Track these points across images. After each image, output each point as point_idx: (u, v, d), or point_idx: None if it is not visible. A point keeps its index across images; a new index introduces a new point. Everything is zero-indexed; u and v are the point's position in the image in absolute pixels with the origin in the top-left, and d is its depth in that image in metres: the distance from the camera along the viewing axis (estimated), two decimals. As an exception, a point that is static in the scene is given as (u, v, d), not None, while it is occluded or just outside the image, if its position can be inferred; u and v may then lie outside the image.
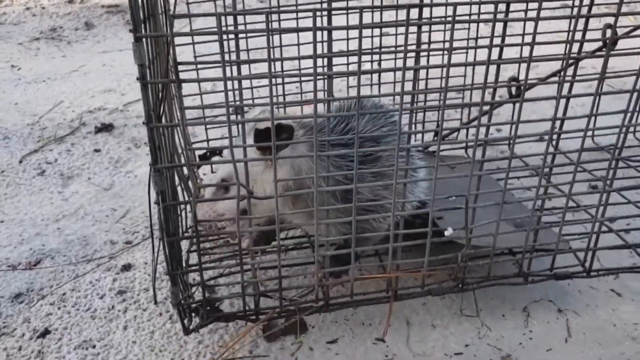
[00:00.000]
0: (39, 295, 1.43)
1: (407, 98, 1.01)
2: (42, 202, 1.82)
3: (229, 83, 0.88)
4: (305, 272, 1.40)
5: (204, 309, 1.15)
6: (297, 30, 0.93)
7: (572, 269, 1.31)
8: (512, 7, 1.06)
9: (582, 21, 1.05)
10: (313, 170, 0.99)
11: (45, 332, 1.32)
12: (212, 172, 1.84)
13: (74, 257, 1.57)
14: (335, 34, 1.01)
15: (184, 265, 1.28)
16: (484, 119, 1.11)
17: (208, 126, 1.76)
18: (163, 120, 1.03)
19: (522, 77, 1.07)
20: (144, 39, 0.87)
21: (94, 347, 1.28)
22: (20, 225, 1.71)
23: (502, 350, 1.28)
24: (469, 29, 1.62)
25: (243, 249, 1.07)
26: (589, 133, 1.53)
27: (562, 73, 1.06)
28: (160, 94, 0.99)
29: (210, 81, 0.94)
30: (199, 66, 1.56)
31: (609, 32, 1.06)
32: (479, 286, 1.29)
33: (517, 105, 1.04)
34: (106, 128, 2.22)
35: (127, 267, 1.51)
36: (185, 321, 1.16)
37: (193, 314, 1.17)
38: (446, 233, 1.24)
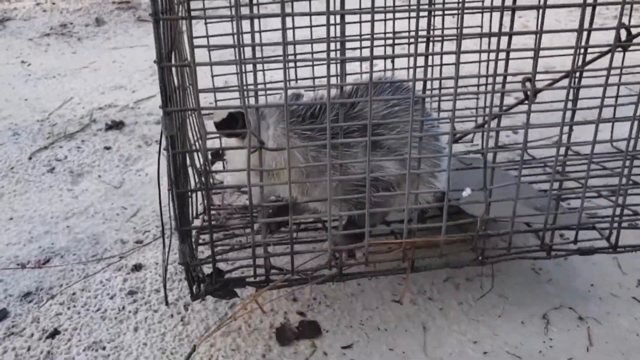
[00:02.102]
0: (48, 295, 1.41)
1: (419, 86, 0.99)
2: (52, 199, 1.80)
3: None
4: (316, 250, 1.33)
5: (212, 276, 1.10)
6: (310, 14, 0.91)
7: (598, 245, 1.25)
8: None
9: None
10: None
11: (55, 333, 1.30)
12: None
13: (84, 256, 1.55)
14: (349, 19, 0.99)
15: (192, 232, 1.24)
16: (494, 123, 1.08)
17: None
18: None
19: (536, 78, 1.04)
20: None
21: (104, 348, 1.26)
22: (30, 222, 1.70)
23: (522, 358, 1.24)
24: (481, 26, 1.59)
25: (254, 205, 1.04)
26: (607, 137, 1.49)
27: (572, 77, 1.03)
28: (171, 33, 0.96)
29: (224, 64, 0.91)
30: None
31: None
32: (499, 259, 1.24)
33: (530, 107, 1.01)
34: (117, 125, 2.20)
35: (137, 267, 1.48)
36: (194, 288, 1.11)
37: (201, 282, 1.13)
38: (464, 194, 1.16)
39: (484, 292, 1.38)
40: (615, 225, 1.25)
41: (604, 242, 1.28)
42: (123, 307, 1.36)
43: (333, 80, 0.92)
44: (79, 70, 2.78)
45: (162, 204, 1.14)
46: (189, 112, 1.26)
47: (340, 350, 1.25)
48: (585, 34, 0.99)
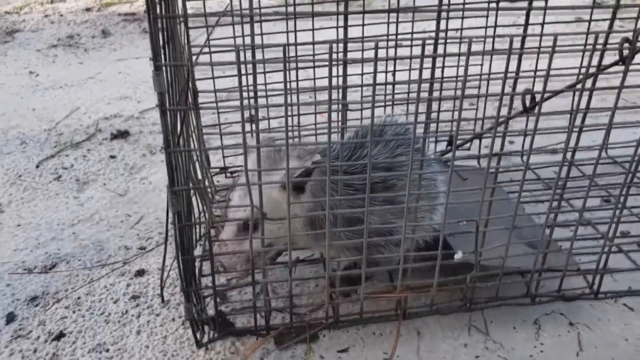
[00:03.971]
0: (54, 299, 1.46)
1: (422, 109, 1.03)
2: (58, 206, 1.85)
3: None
4: (315, 290, 1.40)
5: (216, 324, 1.17)
6: (314, 66, 0.95)
7: (580, 291, 1.34)
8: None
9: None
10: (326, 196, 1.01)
11: (60, 335, 1.34)
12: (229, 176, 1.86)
13: (89, 261, 1.60)
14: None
15: (197, 273, 1.30)
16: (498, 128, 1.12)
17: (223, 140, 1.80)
18: (181, 142, 1.06)
19: (536, 89, 1.08)
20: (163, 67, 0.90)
21: (107, 350, 1.30)
22: (37, 229, 1.74)
23: (513, 363, 1.28)
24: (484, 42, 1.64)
25: (255, 265, 1.09)
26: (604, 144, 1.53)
27: (579, 85, 1.06)
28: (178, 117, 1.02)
29: (225, 92, 0.97)
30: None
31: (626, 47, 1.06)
32: (486, 305, 1.33)
33: (531, 117, 1.05)
34: (122, 135, 2.26)
35: (140, 273, 1.52)
36: (198, 334, 1.18)
37: (205, 327, 1.20)
38: (456, 257, 1.24)
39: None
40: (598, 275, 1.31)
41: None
42: (126, 311, 1.40)
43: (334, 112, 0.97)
44: (85, 80, 2.84)
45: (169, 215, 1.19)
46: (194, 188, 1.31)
47: (336, 354, 1.29)
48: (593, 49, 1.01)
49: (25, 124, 2.40)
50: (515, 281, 1.33)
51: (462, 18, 1.68)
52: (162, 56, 0.94)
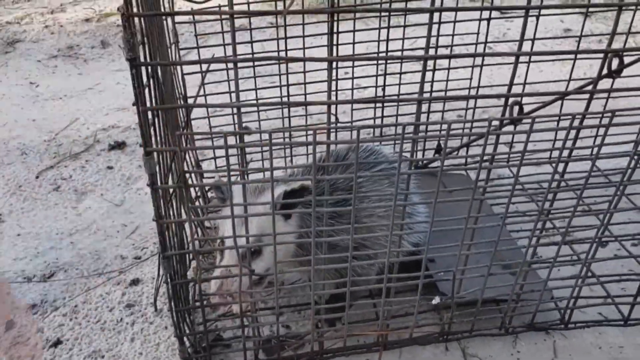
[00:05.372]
0: (52, 307, 1.52)
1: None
2: (57, 216, 1.91)
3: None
4: (301, 318, 1.45)
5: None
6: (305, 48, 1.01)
7: (551, 322, 1.41)
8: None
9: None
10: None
11: (57, 342, 1.40)
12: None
13: (86, 270, 1.66)
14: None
15: (189, 296, 1.37)
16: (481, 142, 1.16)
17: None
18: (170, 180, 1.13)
19: (525, 101, 1.10)
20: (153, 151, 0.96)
21: (102, 357, 1.36)
22: (36, 238, 1.81)
23: (490, 369, 1.34)
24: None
25: (244, 310, 1.15)
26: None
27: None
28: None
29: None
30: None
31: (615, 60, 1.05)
32: (462, 337, 1.39)
33: (519, 129, 1.04)
34: (119, 146, 2.32)
35: (135, 282, 1.59)
36: None
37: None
38: (433, 302, 1.26)
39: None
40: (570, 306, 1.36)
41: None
42: (121, 319, 1.46)
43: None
44: (84, 91, 2.91)
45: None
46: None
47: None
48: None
49: (25, 134, 2.46)
50: (490, 317, 1.37)
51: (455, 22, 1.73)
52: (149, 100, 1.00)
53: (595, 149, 1.06)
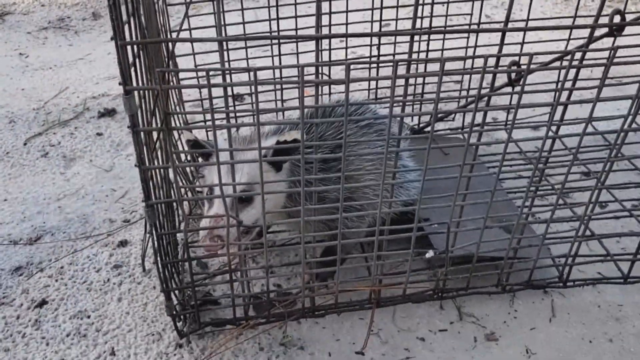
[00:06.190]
0: (37, 269, 1.48)
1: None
2: (45, 182, 1.87)
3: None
4: (293, 273, 1.42)
5: (197, 318, 1.21)
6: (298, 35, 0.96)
7: (549, 280, 1.37)
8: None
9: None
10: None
11: (43, 303, 1.36)
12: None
13: (73, 233, 1.62)
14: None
15: (179, 255, 1.33)
16: (481, 104, 1.09)
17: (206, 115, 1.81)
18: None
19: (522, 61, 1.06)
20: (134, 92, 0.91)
21: (88, 317, 1.32)
22: (23, 203, 1.76)
23: (487, 328, 1.31)
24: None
25: (232, 263, 1.11)
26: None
27: (565, 59, 1.05)
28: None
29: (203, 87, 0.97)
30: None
31: (616, 18, 1.02)
32: (457, 295, 1.34)
33: (516, 90, 1.01)
34: (109, 113, 2.27)
35: (123, 243, 1.55)
36: (180, 324, 1.23)
37: (187, 318, 1.24)
38: (427, 255, 1.21)
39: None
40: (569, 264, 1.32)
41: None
42: (108, 280, 1.43)
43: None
44: (75, 61, 2.85)
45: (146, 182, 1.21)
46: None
47: (312, 319, 1.31)
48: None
49: (14, 103, 2.41)
50: (486, 273, 1.31)
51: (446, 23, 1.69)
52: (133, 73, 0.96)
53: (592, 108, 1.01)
